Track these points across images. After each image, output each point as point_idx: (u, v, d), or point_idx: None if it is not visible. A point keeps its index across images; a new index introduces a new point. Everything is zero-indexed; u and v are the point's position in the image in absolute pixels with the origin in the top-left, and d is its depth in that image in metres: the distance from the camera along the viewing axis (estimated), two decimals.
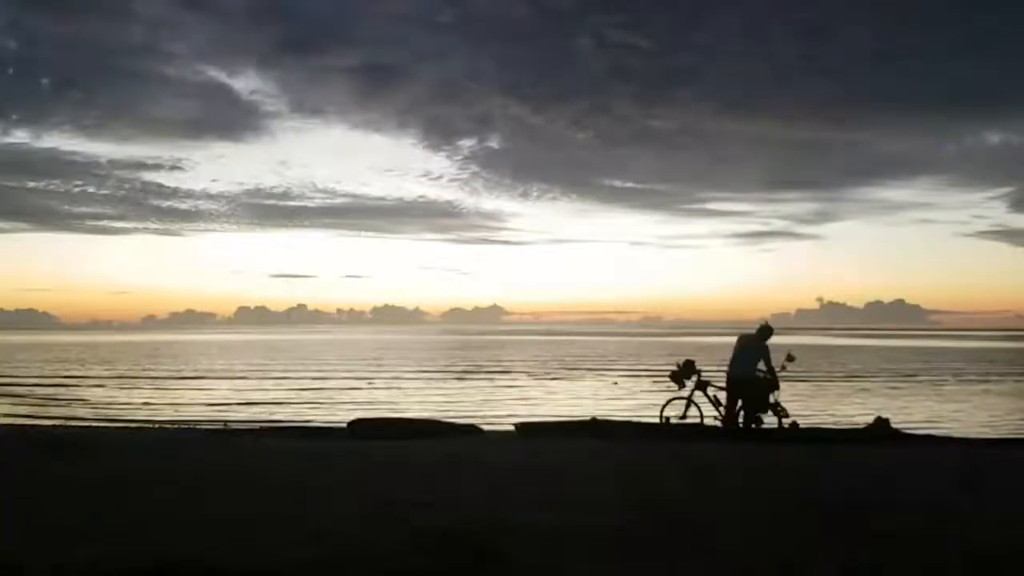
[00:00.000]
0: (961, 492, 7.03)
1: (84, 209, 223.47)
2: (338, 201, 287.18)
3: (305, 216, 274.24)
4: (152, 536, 5.20)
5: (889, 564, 4.66)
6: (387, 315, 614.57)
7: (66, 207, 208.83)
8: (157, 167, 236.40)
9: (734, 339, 12.01)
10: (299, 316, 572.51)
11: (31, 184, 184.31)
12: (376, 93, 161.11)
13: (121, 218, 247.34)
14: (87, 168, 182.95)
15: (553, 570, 4.51)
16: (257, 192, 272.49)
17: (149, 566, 4.51)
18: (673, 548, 4.96)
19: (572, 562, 4.65)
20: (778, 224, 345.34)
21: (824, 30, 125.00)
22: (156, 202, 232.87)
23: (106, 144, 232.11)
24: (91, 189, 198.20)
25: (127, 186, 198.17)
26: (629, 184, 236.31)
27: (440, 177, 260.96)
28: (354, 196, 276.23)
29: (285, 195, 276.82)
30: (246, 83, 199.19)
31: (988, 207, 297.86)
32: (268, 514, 5.85)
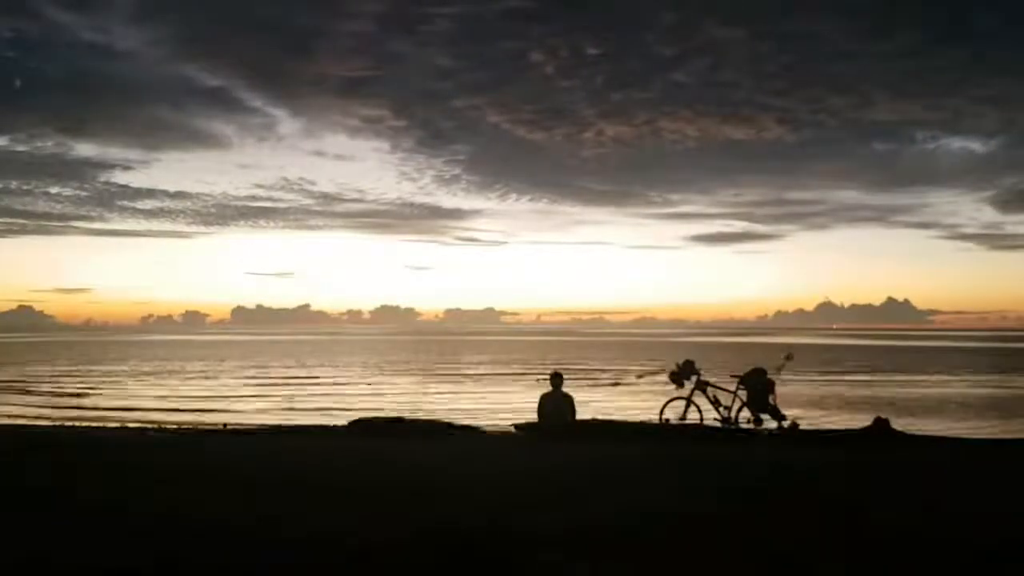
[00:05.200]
0: (960, 492, 7.05)
1: (68, 210, 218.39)
2: (332, 204, 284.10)
3: (299, 217, 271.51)
4: (153, 536, 5.21)
5: (889, 564, 4.68)
6: (385, 316, 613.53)
7: (45, 208, 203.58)
8: (134, 168, 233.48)
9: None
10: (296, 316, 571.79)
11: (1, 185, 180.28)
12: (356, 96, 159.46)
13: (100, 219, 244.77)
14: (65, 169, 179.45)
15: (553, 570, 4.52)
16: (245, 194, 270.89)
17: (150, 564, 4.52)
18: (673, 549, 4.97)
19: (572, 562, 4.66)
20: (764, 227, 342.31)
21: (803, 31, 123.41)
22: (143, 204, 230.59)
23: (84, 145, 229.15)
24: (68, 191, 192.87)
25: (103, 187, 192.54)
26: (607, 187, 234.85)
27: (423, 180, 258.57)
28: (343, 199, 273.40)
29: (271, 197, 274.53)
30: (228, 85, 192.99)
31: (973, 209, 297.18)
32: (269, 514, 5.85)
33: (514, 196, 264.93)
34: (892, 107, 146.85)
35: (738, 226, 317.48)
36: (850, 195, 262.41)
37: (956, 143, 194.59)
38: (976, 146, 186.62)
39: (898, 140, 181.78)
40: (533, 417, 12.02)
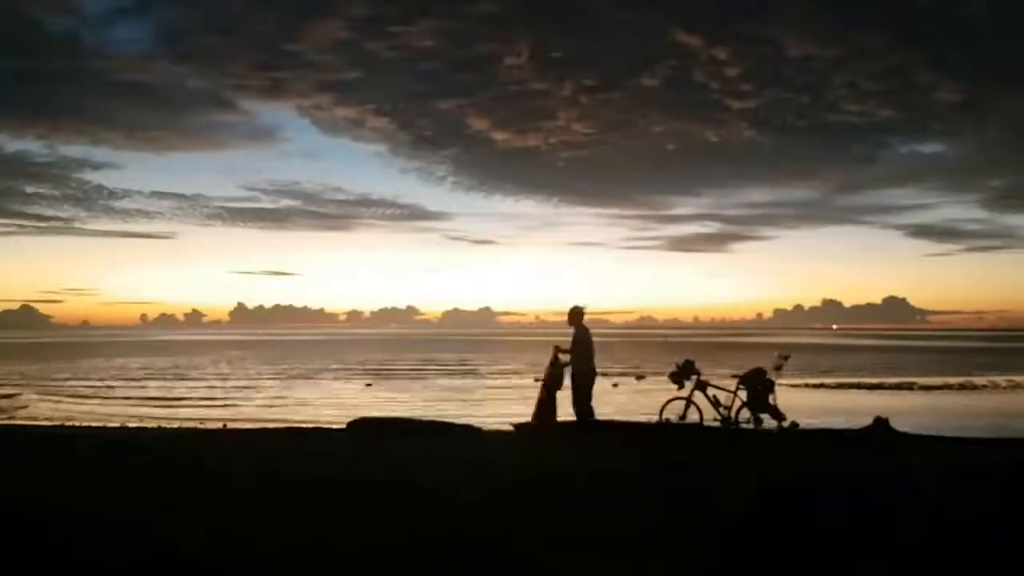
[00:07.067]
0: (959, 492, 7.04)
1: (58, 212, 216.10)
2: (320, 205, 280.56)
3: (288, 218, 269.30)
4: (153, 533, 5.21)
5: (889, 565, 4.68)
6: (385, 317, 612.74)
7: (36, 210, 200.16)
8: (125, 168, 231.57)
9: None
10: (295, 317, 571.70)
11: None
12: (343, 98, 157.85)
13: (91, 220, 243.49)
14: (54, 170, 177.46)
15: (554, 570, 4.52)
16: (235, 195, 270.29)
17: (150, 559, 4.52)
18: (673, 549, 4.97)
19: (573, 562, 4.66)
20: (755, 228, 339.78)
21: (789, 31, 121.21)
22: (132, 204, 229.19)
23: (72, 147, 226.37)
24: (56, 191, 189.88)
25: (93, 188, 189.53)
26: (591, 188, 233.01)
27: (410, 181, 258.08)
28: (330, 200, 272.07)
29: (260, 198, 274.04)
30: (218, 86, 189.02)
31: (964, 210, 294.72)
32: (269, 514, 5.86)
33: (499, 196, 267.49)
34: (874, 109, 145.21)
35: (729, 228, 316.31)
36: (847, 195, 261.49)
37: (939, 145, 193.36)
38: (962, 148, 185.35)
39: (882, 142, 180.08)
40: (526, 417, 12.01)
